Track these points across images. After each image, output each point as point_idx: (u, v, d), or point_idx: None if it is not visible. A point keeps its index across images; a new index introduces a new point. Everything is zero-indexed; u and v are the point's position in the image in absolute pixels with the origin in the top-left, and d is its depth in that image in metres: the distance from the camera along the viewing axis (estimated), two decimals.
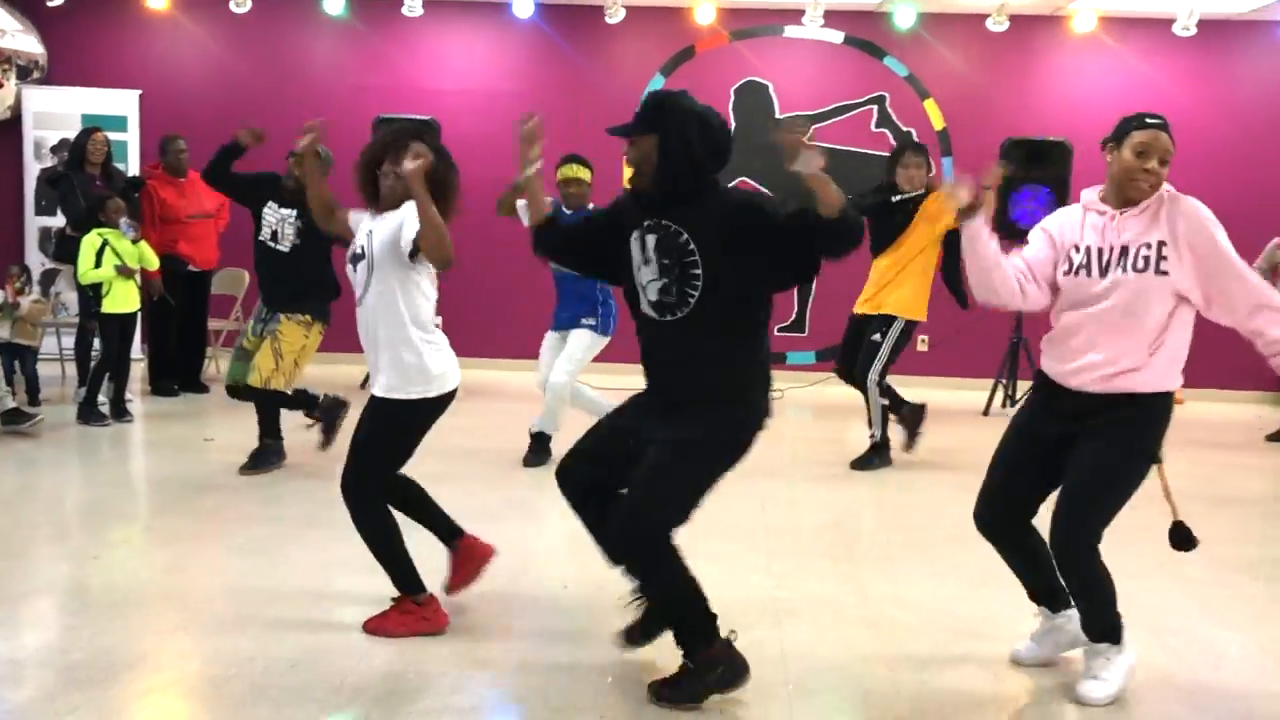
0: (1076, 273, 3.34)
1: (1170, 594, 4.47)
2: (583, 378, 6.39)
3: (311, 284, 6.06)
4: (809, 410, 8.41)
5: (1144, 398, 3.31)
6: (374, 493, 3.74)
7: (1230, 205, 9.03)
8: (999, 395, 8.58)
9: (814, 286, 9.51)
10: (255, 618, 3.82)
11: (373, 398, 3.76)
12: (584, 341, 6.20)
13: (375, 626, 3.73)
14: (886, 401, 6.44)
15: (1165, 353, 3.29)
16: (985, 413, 8.43)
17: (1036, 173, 8.01)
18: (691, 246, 3.17)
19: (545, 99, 9.48)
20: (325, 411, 6.13)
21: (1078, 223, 3.41)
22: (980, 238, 3.36)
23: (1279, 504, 6.05)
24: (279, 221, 6.03)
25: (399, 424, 3.73)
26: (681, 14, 9.31)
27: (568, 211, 6.20)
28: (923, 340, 9.09)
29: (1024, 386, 8.57)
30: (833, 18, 9.05)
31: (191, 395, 8.16)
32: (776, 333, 9.37)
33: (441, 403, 3.74)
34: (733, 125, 9.46)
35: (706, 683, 3.23)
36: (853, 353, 6.47)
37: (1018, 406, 3.69)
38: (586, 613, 4.00)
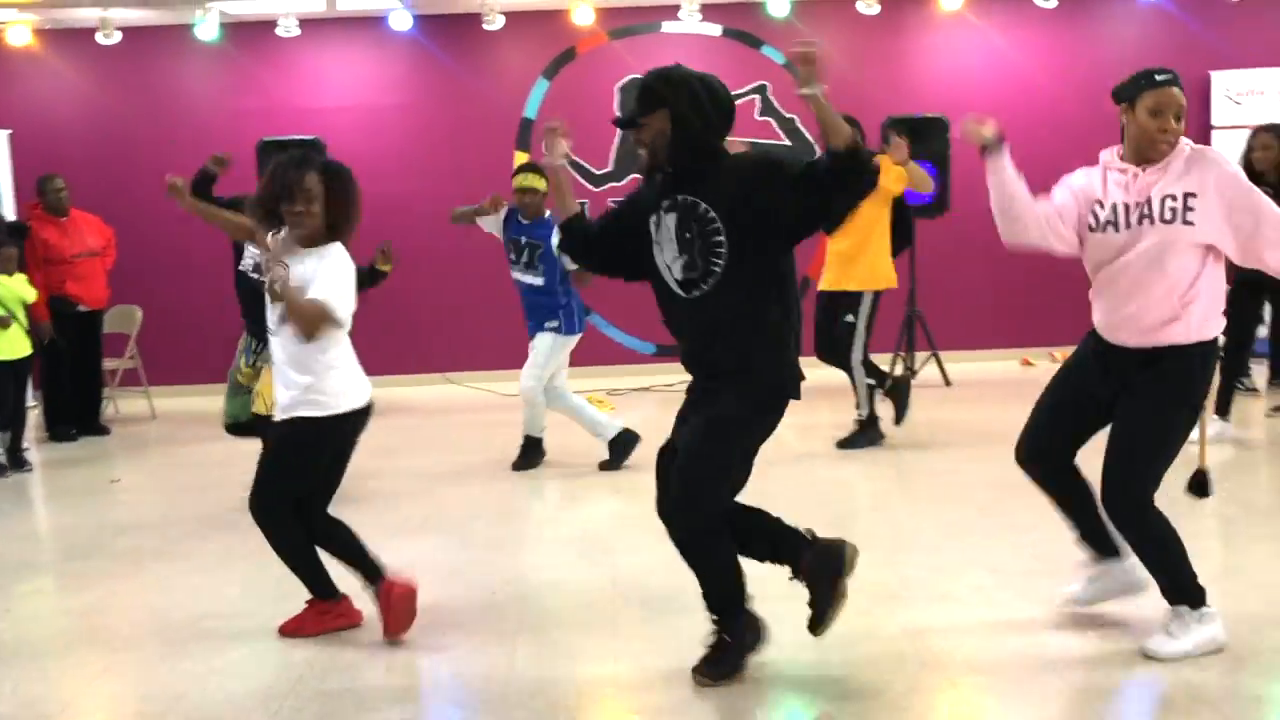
0: (1104, 229, 3.40)
1: (1073, 543, 4.64)
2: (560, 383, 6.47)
3: None
4: None
5: (1182, 349, 3.35)
6: (275, 508, 3.77)
7: (1088, 164, 9.40)
8: (899, 368, 8.81)
9: None
10: (183, 654, 3.78)
11: (276, 421, 3.78)
12: (545, 344, 6.25)
13: (293, 628, 3.80)
14: (872, 381, 6.59)
15: (1199, 303, 3.33)
16: (881, 385, 8.62)
17: (918, 149, 8.21)
18: (712, 215, 3.22)
19: (429, 110, 9.48)
20: None
21: (1099, 181, 3.48)
22: (1006, 169, 3.46)
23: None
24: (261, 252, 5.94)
25: (295, 444, 3.74)
26: (559, 16, 9.36)
27: (524, 221, 6.25)
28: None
29: (921, 357, 8.84)
30: (709, 11, 9.18)
31: (91, 438, 7.97)
32: None
33: (343, 422, 3.74)
34: None
35: (745, 652, 3.36)
36: (826, 332, 6.58)
37: (1074, 350, 3.73)
38: (517, 616, 4.04)
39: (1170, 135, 3.33)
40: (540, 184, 6.17)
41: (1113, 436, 3.44)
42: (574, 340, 6.33)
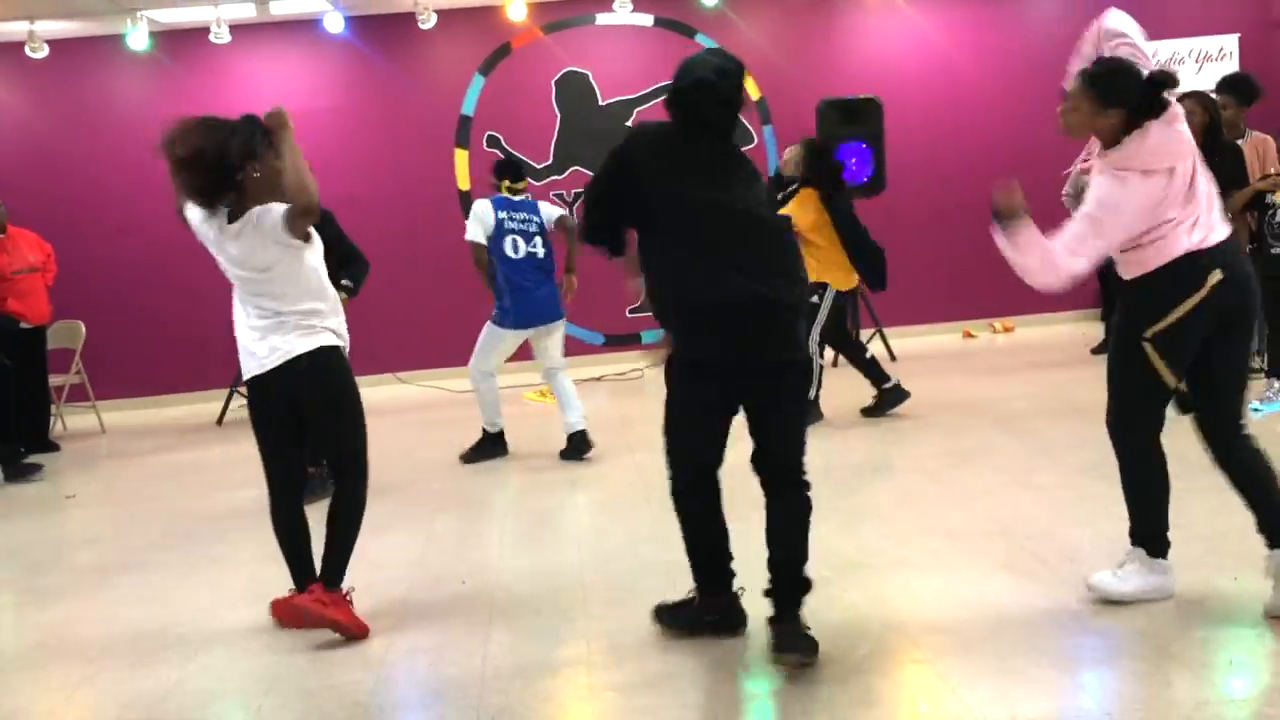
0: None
1: (1023, 503, 4.82)
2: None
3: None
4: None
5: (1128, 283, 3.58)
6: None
7: (1023, 141, 9.65)
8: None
9: None
10: (160, 660, 3.81)
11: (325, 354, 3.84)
12: (562, 331, 6.51)
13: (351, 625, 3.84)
14: (823, 362, 6.76)
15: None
16: (834, 364, 8.79)
17: (853, 130, 8.38)
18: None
19: (367, 111, 9.47)
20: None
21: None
22: (1026, 232, 3.67)
23: None
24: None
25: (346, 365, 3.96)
26: (494, 12, 9.39)
27: (519, 199, 6.41)
28: None
29: (866, 334, 8.99)
30: (641, 1, 9.26)
31: (41, 456, 7.87)
32: (628, 314, 9.57)
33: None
34: (557, 117, 9.62)
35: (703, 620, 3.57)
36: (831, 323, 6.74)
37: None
38: (488, 606, 4.11)
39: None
40: (522, 186, 6.48)
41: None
42: (501, 332, 6.43)
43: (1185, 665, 3.19)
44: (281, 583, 4.04)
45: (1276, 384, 6.18)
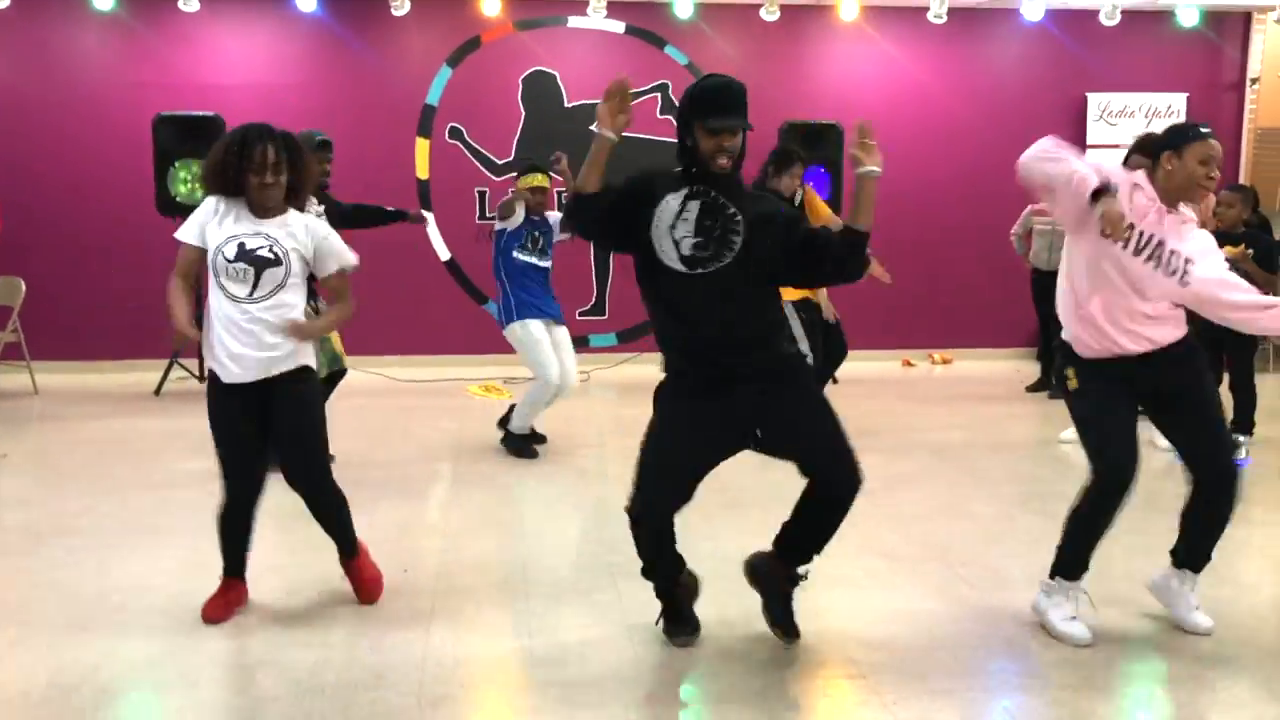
0: (1135, 249, 3.58)
1: (958, 530, 4.94)
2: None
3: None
4: (614, 389, 8.70)
5: None
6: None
7: (978, 180, 9.88)
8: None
9: (612, 269, 9.81)
10: (94, 628, 3.77)
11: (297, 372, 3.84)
12: (569, 337, 6.46)
13: (376, 595, 4.03)
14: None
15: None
16: None
17: (812, 154, 8.49)
18: (739, 219, 3.39)
19: (331, 91, 9.41)
20: None
21: (1127, 195, 3.61)
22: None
23: (1042, 447, 6.70)
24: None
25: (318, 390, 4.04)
26: (467, 4, 9.37)
27: (535, 218, 6.34)
28: None
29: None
30: (614, 8, 9.32)
31: None
32: (577, 316, 9.61)
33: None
34: (522, 114, 9.63)
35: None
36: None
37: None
38: (430, 596, 4.13)
39: (1213, 184, 3.61)
40: (545, 182, 6.35)
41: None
42: None
43: (1107, 697, 3.32)
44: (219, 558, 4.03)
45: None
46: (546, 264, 6.38)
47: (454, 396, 8.39)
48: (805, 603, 3.99)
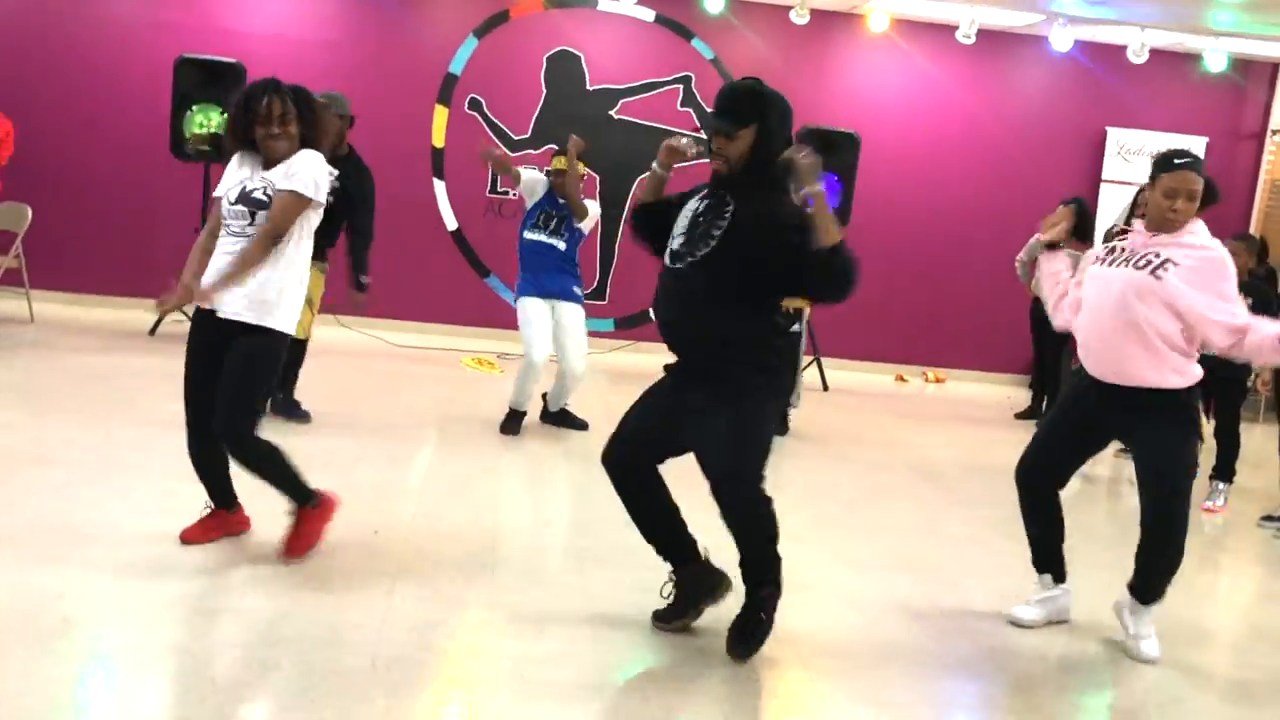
0: (1099, 261, 3.81)
1: (929, 547, 4.97)
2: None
3: (332, 230, 6.00)
4: (606, 375, 8.72)
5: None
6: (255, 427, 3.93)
7: (989, 202, 9.89)
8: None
9: (616, 255, 9.82)
10: (62, 556, 3.80)
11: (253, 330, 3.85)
12: (580, 318, 6.36)
13: (302, 549, 3.96)
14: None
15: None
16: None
17: (827, 161, 8.47)
18: (726, 218, 3.38)
19: (354, 51, 9.41)
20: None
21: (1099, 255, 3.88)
22: (1058, 270, 3.96)
23: None
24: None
25: (276, 352, 3.93)
26: None
27: (561, 201, 6.34)
28: None
29: (804, 360, 9.16)
30: None
31: None
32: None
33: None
34: (543, 93, 9.64)
35: (769, 617, 3.56)
36: None
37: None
38: (396, 559, 4.15)
39: (1179, 215, 3.66)
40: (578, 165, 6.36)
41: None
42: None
43: None
44: (198, 499, 4.06)
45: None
46: (557, 243, 6.32)
47: (447, 366, 8.41)
48: None
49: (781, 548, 4.70)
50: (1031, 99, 10.10)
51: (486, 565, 4.17)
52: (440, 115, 9.61)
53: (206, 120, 8.12)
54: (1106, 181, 10.00)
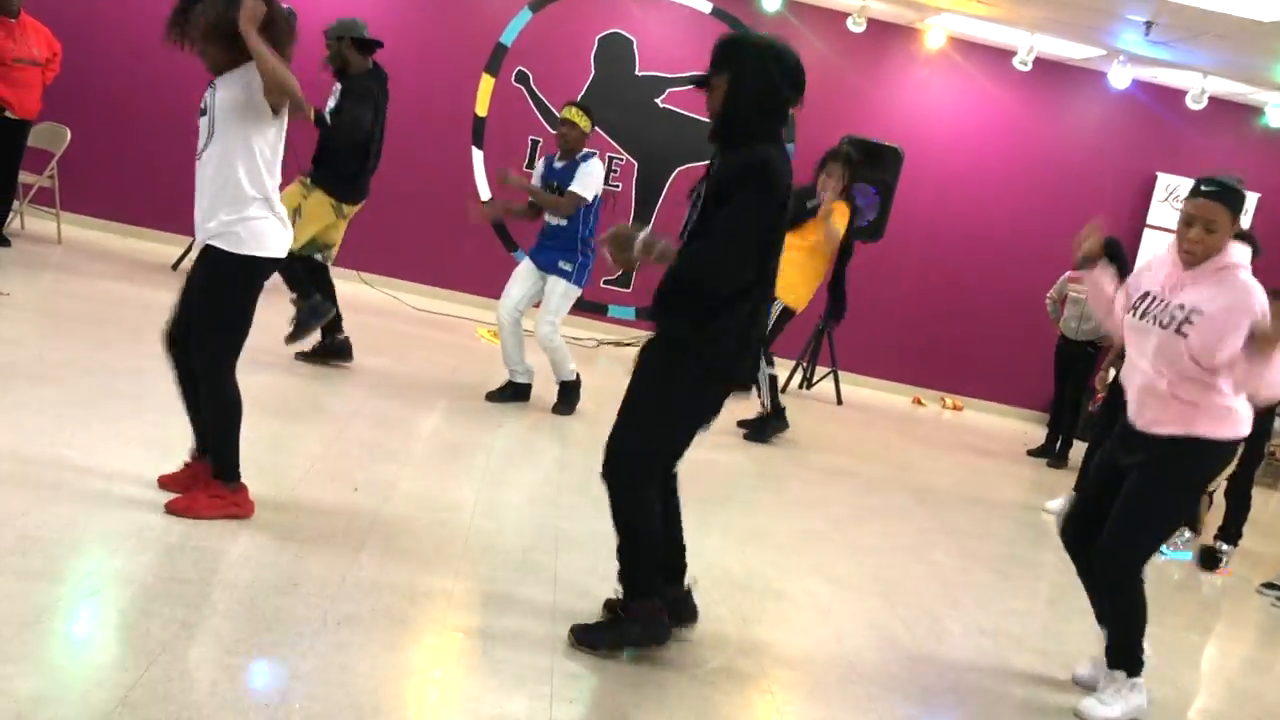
0: (1132, 311, 3.62)
1: (912, 572, 4.88)
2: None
3: (338, 158, 6.15)
4: (621, 363, 8.66)
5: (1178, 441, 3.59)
6: (232, 362, 3.78)
7: (1027, 234, 9.74)
8: (798, 376, 9.03)
9: None
10: (33, 480, 3.78)
11: (206, 249, 3.77)
12: (560, 291, 6.26)
13: (183, 507, 3.73)
14: (774, 372, 6.87)
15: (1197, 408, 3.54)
16: (783, 390, 8.84)
17: (868, 173, 8.40)
18: (703, 187, 3.30)
19: (403, 16, 9.37)
20: (311, 310, 6.04)
21: (1154, 269, 3.67)
22: (1102, 283, 3.76)
23: (1024, 511, 6.60)
24: (332, 96, 6.26)
25: (230, 278, 3.74)
26: None
27: (558, 165, 6.30)
28: None
29: (821, 370, 9.07)
30: None
31: None
32: (602, 284, 9.56)
33: (263, 266, 3.77)
34: (592, 73, 9.57)
35: (626, 635, 3.37)
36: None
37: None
38: (370, 517, 4.11)
39: (1192, 245, 3.45)
40: (584, 121, 6.27)
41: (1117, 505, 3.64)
42: (578, 293, 6.38)
43: None
44: (183, 436, 4.01)
45: (1188, 534, 6.28)
46: (557, 220, 6.24)
47: (462, 334, 8.38)
48: (736, 609, 3.97)
49: (764, 555, 4.68)
50: (1083, 134, 9.94)
51: (457, 535, 4.12)
52: (486, 84, 9.56)
53: None
54: (1151, 227, 9.82)
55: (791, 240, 6.60)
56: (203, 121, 3.74)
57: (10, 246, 7.85)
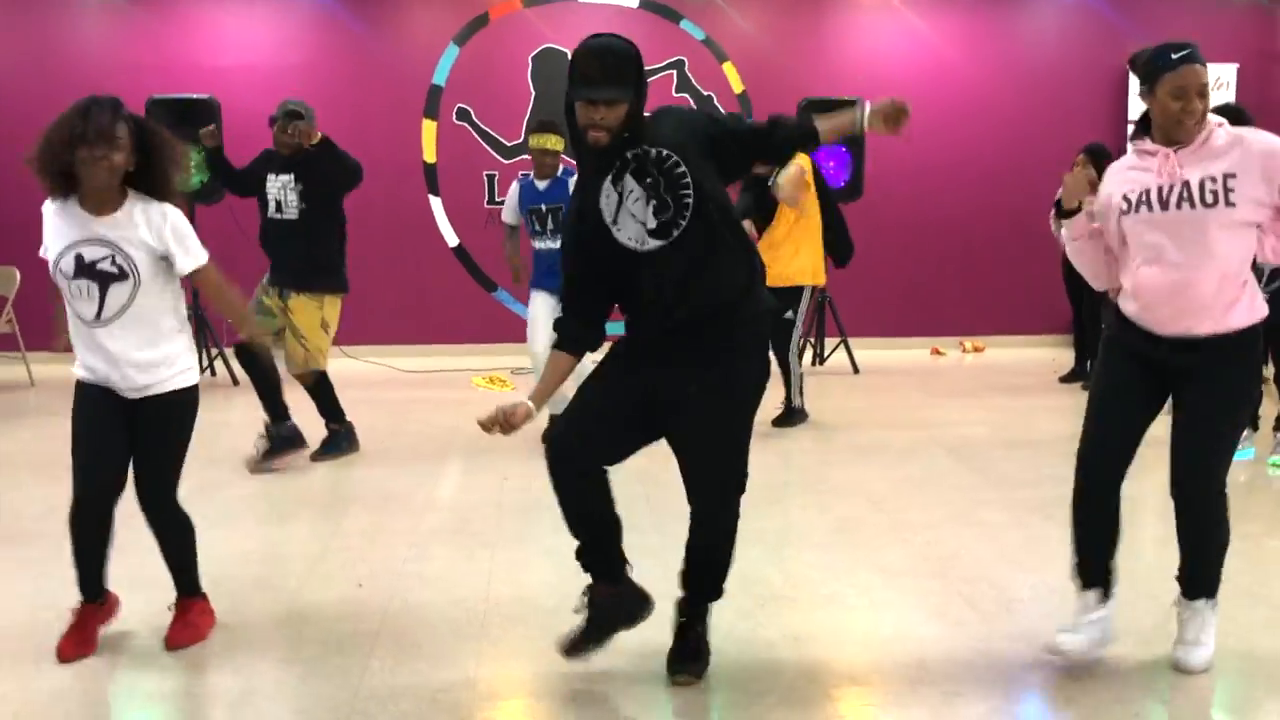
0: (1137, 209, 3.17)
1: (966, 540, 4.55)
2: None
3: (322, 254, 5.82)
4: None
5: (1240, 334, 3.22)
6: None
7: (1011, 158, 9.39)
8: (808, 354, 8.71)
9: None
10: (14, 653, 3.51)
11: (152, 400, 3.41)
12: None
13: (188, 639, 3.50)
14: (801, 370, 6.67)
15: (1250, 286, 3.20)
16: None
17: None
18: (666, 154, 3.01)
19: (333, 72, 9.12)
20: (288, 438, 5.77)
21: (1121, 174, 3.26)
22: (1080, 227, 3.33)
23: (1069, 444, 6.19)
24: (280, 189, 5.75)
25: (192, 412, 3.50)
26: None
27: (540, 188, 6.07)
28: None
29: (830, 343, 8.74)
30: None
31: None
32: None
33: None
34: (532, 94, 9.29)
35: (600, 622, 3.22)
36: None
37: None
38: (379, 614, 3.81)
39: (1196, 115, 3.11)
40: (558, 144, 5.98)
41: (1184, 424, 3.25)
42: None
43: None
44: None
45: (1246, 430, 5.92)
46: (557, 245, 5.96)
47: (457, 389, 8.09)
48: (785, 627, 3.65)
49: (804, 556, 4.36)
50: (1044, 44, 9.60)
51: (475, 613, 3.80)
52: (429, 129, 9.30)
53: (186, 162, 7.84)
54: (1133, 122, 9.46)
55: (793, 227, 6.34)
56: (78, 285, 3.37)
57: None
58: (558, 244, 5.90)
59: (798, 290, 6.41)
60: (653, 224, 3.04)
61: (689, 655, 3.28)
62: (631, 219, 3.06)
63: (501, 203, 9.20)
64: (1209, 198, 3.11)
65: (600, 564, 3.25)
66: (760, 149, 3.22)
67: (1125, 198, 3.22)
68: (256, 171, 5.85)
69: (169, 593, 3.65)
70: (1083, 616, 3.39)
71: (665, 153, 3.02)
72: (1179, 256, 3.15)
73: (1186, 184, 3.13)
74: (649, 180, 3.02)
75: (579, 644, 3.24)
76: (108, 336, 3.35)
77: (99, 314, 3.33)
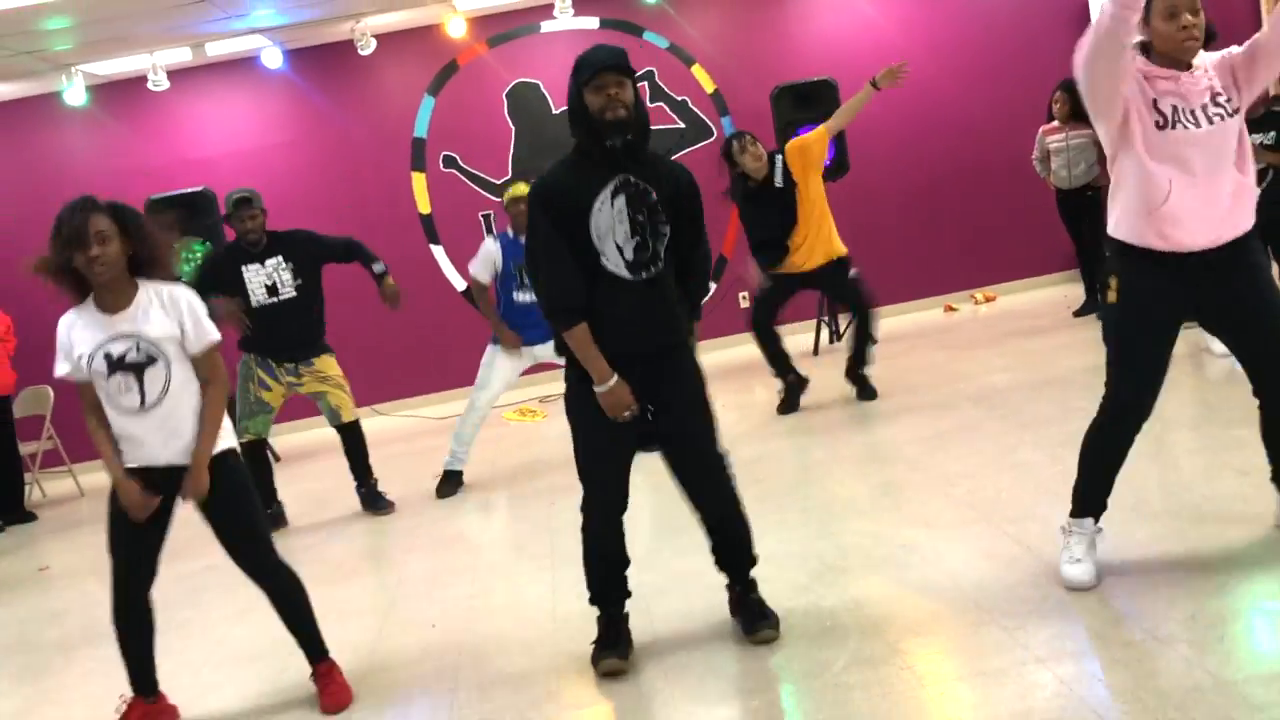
0: (1174, 126, 3.17)
1: (1004, 483, 4.65)
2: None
3: (321, 316, 6.06)
4: None
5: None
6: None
7: (987, 109, 9.48)
8: (824, 333, 8.82)
9: None
10: None
11: (215, 462, 3.52)
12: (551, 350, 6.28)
13: (342, 702, 3.59)
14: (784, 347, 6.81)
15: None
16: (815, 352, 8.65)
17: (810, 114, 8.21)
18: (657, 201, 3.34)
19: (316, 144, 9.31)
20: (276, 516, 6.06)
21: (1143, 85, 3.21)
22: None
23: (1092, 374, 6.28)
24: (270, 274, 5.88)
25: (245, 470, 3.69)
26: (433, 31, 9.22)
27: (522, 241, 6.12)
28: (744, 296, 9.24)
29: (843, 322, 8.84)
30: (583, 5, 9.08)
31: (18, 526, 7.74)
32: None
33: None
34: (512, 130, 9.45)
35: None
36: (776, 310, 6.77)
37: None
38: (456, 649, 3.95)
39: (1194, 30, 3.14)
40: None
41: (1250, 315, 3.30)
42: None
43: (1173, 649, 3.03)
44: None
45: None
46: (530, 297, 6.04)
47: (491, 426, 8.20)
48: (844, 594, 3.78)
49: (851, 526, 4.49)
50: (1006, 6, 9.68)
51: (546, 632, 3.94)
52: (419, 182, 9.48)
53: (193, 255, 8.05)
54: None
55: (811, 213, 6.48)
56: (150, 372, 3.45)
57: (37, 519, 7.81)
58: (532, 297, 6.08)
59: (846, 258, 6.67)
60: (630, 257, 3.33)
61: (758, 615, 3.52)
62: (612, 241, 3.32)
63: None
64: (1228, 109, 3.20)
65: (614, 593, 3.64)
66: (690, 255, 3.51)
67: (1159, 109, 3.20)
68: (227, 272, 5.88)
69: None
70: (1083, 546, 3.53)
71: (655, 200, 3.33)
72: (1206, 168, 3.20)
73: (1213, 97, 3.19)
74: (639, 219, 3.31)
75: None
76: (159, 420, 3.45)
77: (143, 402, 3.42)
